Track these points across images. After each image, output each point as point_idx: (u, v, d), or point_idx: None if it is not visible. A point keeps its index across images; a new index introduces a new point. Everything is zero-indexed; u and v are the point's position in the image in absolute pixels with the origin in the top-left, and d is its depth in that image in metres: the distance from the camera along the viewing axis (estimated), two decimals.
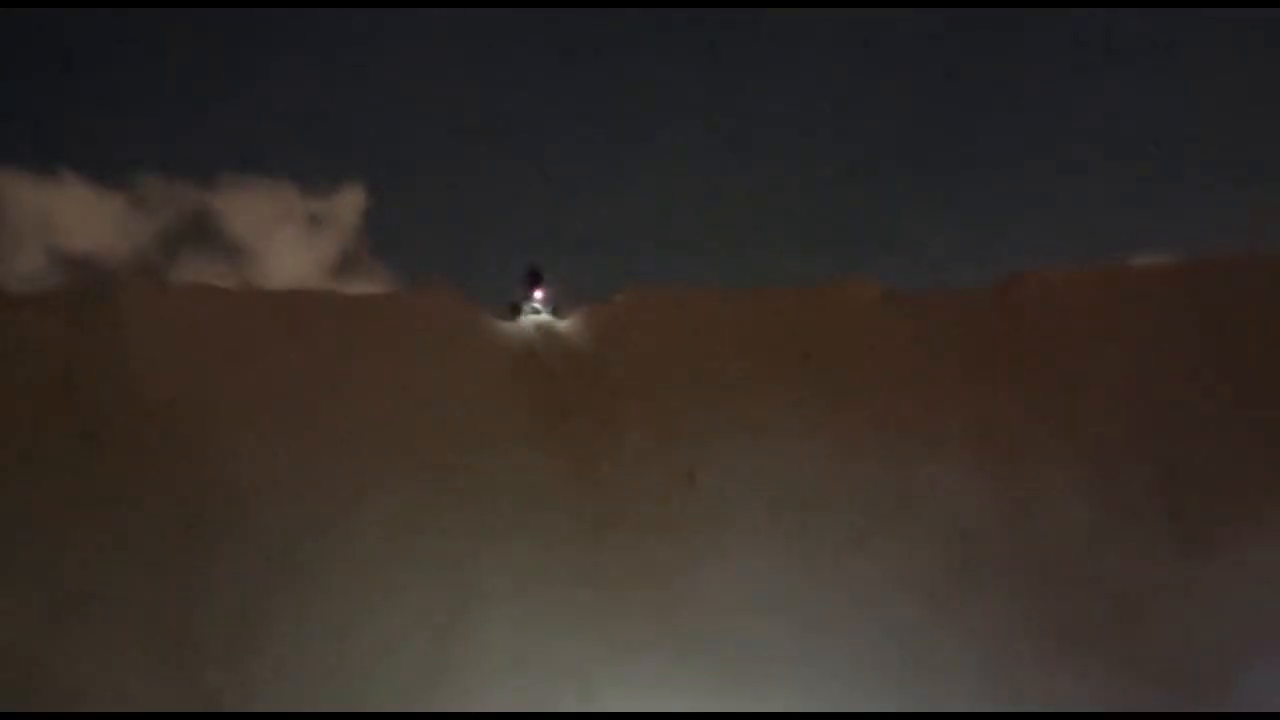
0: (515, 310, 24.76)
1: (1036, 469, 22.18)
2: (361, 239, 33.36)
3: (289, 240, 32.72)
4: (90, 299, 23.51)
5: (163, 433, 21.40)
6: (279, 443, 21.66)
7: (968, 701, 19.45)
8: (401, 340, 23.58)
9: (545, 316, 24.67)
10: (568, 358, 24.21)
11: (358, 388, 22.64)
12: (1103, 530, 21.62)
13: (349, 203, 34.82)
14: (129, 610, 19.34)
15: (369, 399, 22.51)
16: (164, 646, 19.40)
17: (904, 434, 22.48)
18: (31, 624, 18.41)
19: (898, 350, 23.92)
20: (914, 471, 22.07)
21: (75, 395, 21.52)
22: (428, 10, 32.28)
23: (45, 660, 18.29)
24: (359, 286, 28.92)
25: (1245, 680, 18.66)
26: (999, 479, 21.99)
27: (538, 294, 24.75)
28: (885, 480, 21.95)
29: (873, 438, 22.42)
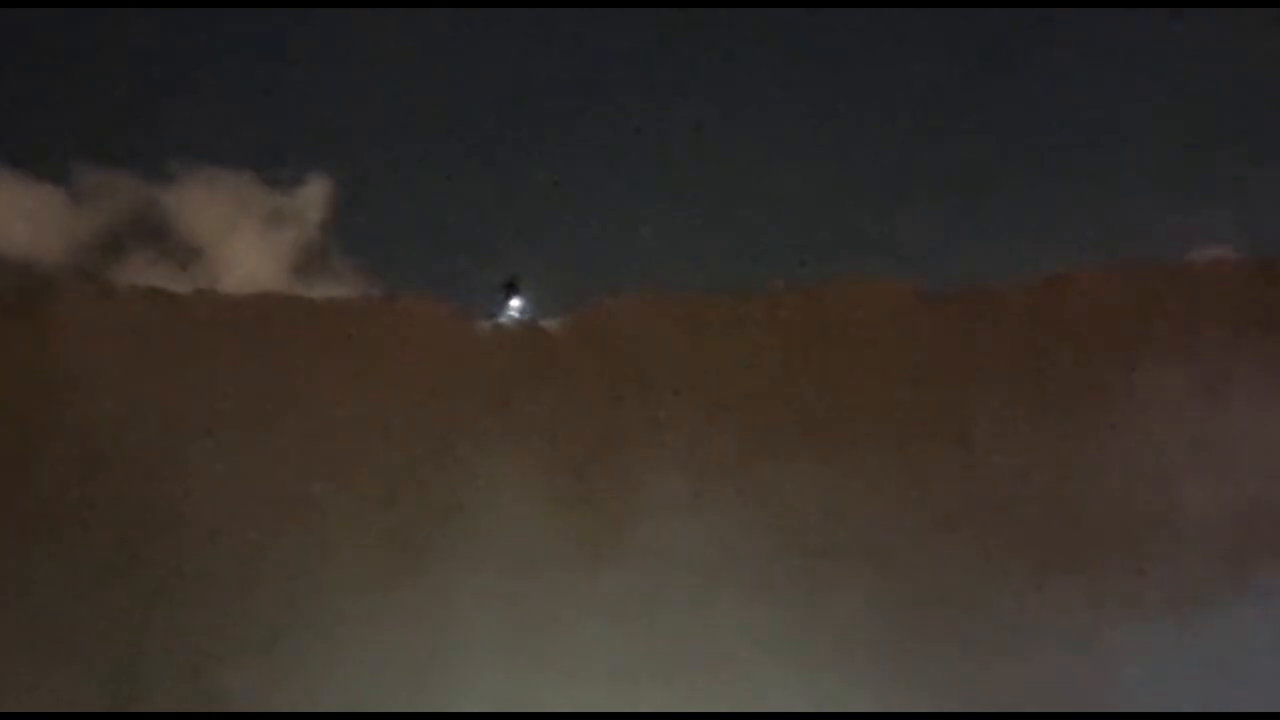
0: (491, 319, 24.52)
1: (1084, 485, 21.49)
2: (329, 236, 31.52)
3: (247, 238, 30.81)
4: (24, 306, 22.83)
5: (107, 454, 20.46)
6: (237, 464, 20.65)
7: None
8: (374, 351, 22.57)
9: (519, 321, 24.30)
10: (558, 370, 23.18)
11: (325, 403, 21.55)
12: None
13: (314, 196, 32.81)
14: (65, 649, 18.59)
15: (338, 414, 21.45)
16: (106, 686, 18.70)
17: (936, 448, 21.64)
18: None
19: (933, 357, 23.05)
20: (945, 490, 21.25)
21: (5, 413, 20.67)
22: None
23: None
24: (326, 290, 27.35)
25: None
26: (1044, 493, 21.36)
27: (514, 303, 24.25)
28: (914, 500, 21.24)
29: (900, 454, 21.59)
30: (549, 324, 24.29)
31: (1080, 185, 28.76)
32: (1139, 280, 23.58)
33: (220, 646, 19.18)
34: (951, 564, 20.78)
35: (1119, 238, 26.93)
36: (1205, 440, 21.57)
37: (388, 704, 18.81)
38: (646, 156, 27.80)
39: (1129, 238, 28.01)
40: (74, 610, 18.98)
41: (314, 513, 20.39)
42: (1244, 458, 21.18)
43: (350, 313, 23.72)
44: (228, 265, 28.80)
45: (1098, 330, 23.09)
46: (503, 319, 24.06)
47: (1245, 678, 18.82)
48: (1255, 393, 21.76)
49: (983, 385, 22.54)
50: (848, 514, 21.21)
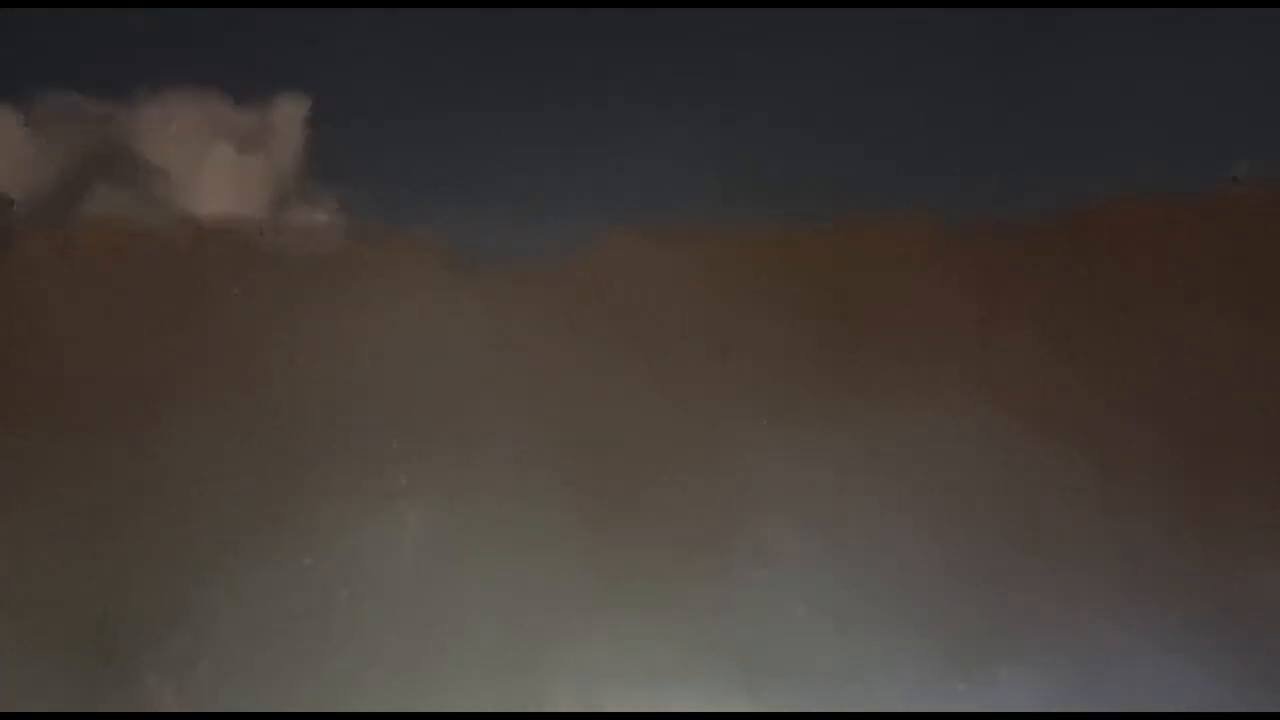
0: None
1: (1114, 434, 21.53)
2: (305, 163, 30.44)
3: (221, 163, 29.81)
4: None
5: (81, 405, 20.17)
6: (218, 412, 20.19)
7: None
8: (363, 289, 21.88)
9: None
10: (554, 310, 23.14)
11: (312, 343, 21.10)
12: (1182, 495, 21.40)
13: (288, 117, 31.66)
14: (50, 614, 18.45)
15: (326, 356, 21.07)
16: (89, 649, 18.41)
17: (963, 397, 21.60)
18: None
19: (958, 296, 22.85)
20: (969, 439, 21.21)
21: None
22: None
23: None
24: (303, 219, 26.55)
25: None
26: (1074, 443, 21.53)
27: None
28: (932, 450, 21.33)
29: (921, 398, 21.52)
30: (548, 259, 23.99)
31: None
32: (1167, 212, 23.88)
33: (211, 590, 18.99)
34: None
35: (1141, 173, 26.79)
36: (1229, 376, 21.91)
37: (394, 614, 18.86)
38: (657, 80, 26.80)
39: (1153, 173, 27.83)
40: (57, 565, 18.93)
41: (304, 460, 20.16)
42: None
43: (340, 249, 23.54)
44: (201, 195, 27.93)
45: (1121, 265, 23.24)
46: None
47: None
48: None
49: (1008, 322, 22.63)
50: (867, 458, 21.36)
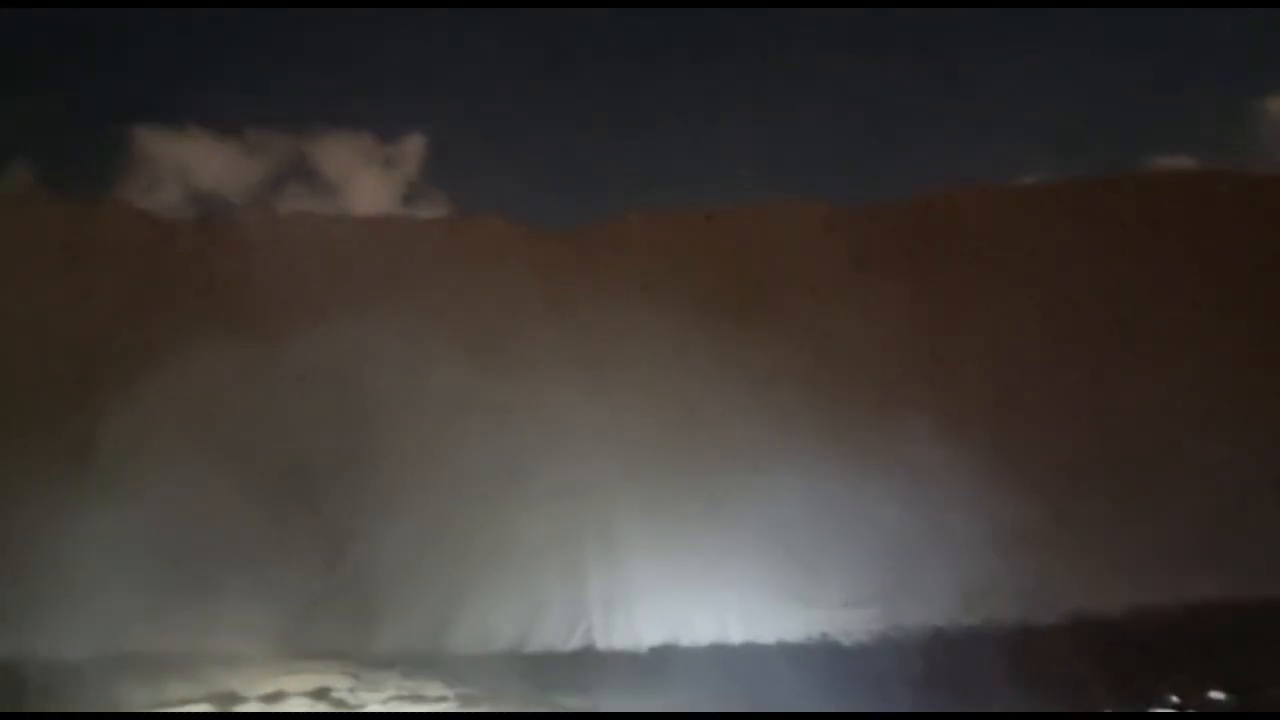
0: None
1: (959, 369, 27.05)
2: (423, 175, 42.46)
3: (368, 177, 41.39)
4: (219, 225, 28.86)
5: (278, 327, 25.68)
6: (363, 341, 25.42)
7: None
8: (457, 253, 28.43)
9: None
10: (583, 267, 29.09)
11: (424, 289, 27.31)
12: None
13: (413, 148, 43.81)
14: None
15: (432, 297, 27.10)
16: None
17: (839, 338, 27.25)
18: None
19: (845, 263, 28.89)
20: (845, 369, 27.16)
21: (210, 301, 26.72)
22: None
23: None
24: (422, 212, 35.94)
25: None
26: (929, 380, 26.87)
27: None
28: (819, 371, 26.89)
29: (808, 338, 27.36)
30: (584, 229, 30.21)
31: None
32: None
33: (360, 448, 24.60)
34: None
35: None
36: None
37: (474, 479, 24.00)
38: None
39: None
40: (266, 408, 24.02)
41: (414, 367, 25.66)
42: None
43: (442, 228, 30.31)
44: (356, 196, 37.48)
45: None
46: None
47: None
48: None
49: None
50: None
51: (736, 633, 22.00)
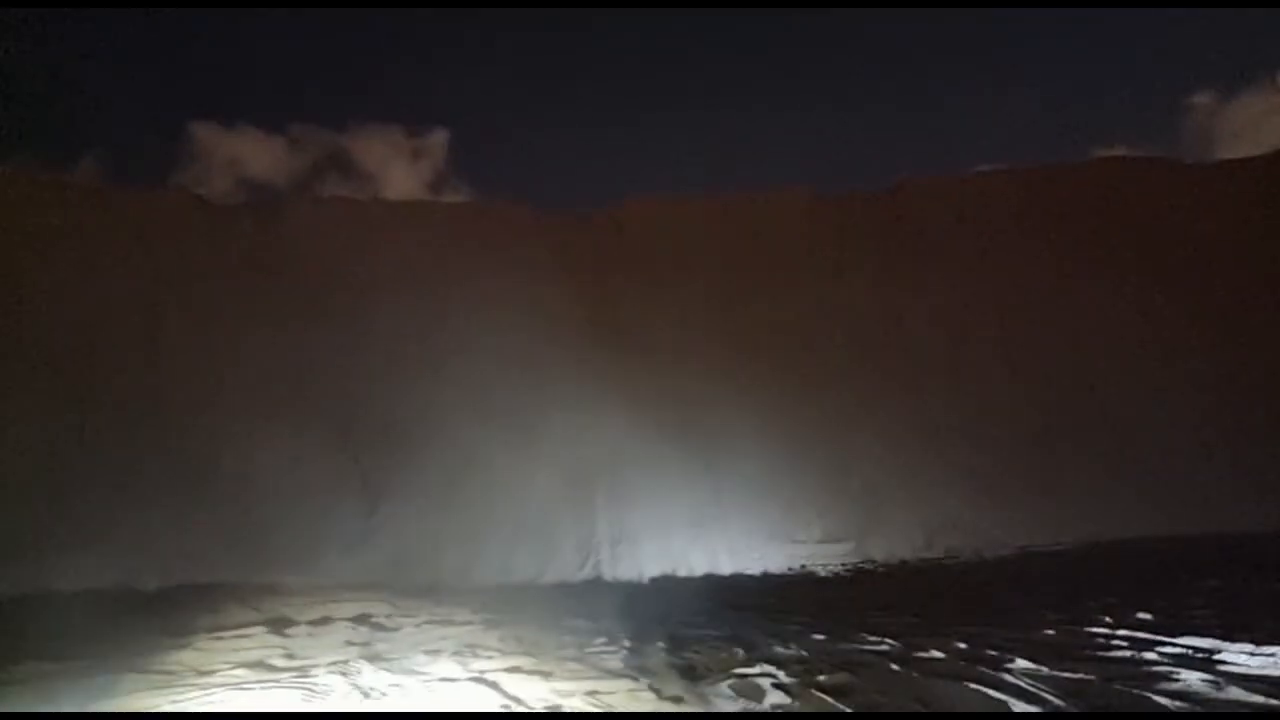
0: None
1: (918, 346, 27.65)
2: (448, 165, 42.23)
3: (399, 167, 41.10)
4: (267, 209, 29.05)
5: (320, 299, 26.67)
6: (396, 312, 27.03)
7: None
8: (479, 236, 28.97)
9: None
10: (600, 251, 29.53)
11: (449, 269, 28.03)
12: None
13: (438, 141, 43.41)
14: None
15: (457, 277, 27.89)
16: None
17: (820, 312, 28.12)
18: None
19: (826, 245, 29.44)
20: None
21: (261, 276, 26.88)
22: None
23: None
24: (447, 198, 36.10)
25: None
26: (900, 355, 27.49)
27: None
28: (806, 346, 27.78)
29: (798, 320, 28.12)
30: (595, 214, 30.26)
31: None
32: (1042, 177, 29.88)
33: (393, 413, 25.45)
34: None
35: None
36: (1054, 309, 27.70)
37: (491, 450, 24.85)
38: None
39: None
40: (294, 367, 25.16)
41: (440, 347, 27.01)
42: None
43: (465, 212, 30.48)
44: (388, 184, 37.44)
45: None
46: None
47: None
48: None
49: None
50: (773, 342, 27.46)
51: (726, 565, 22.65)
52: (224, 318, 25.39)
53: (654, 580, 21.40)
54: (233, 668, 9.79)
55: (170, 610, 14.61)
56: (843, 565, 22.26)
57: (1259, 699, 6.68)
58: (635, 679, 8.67)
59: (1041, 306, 27.80)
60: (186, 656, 10.49)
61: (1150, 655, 8.56)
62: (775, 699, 7.62)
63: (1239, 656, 8.15)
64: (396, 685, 8.55)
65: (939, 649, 9.43)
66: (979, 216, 29.18)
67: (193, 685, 8.78)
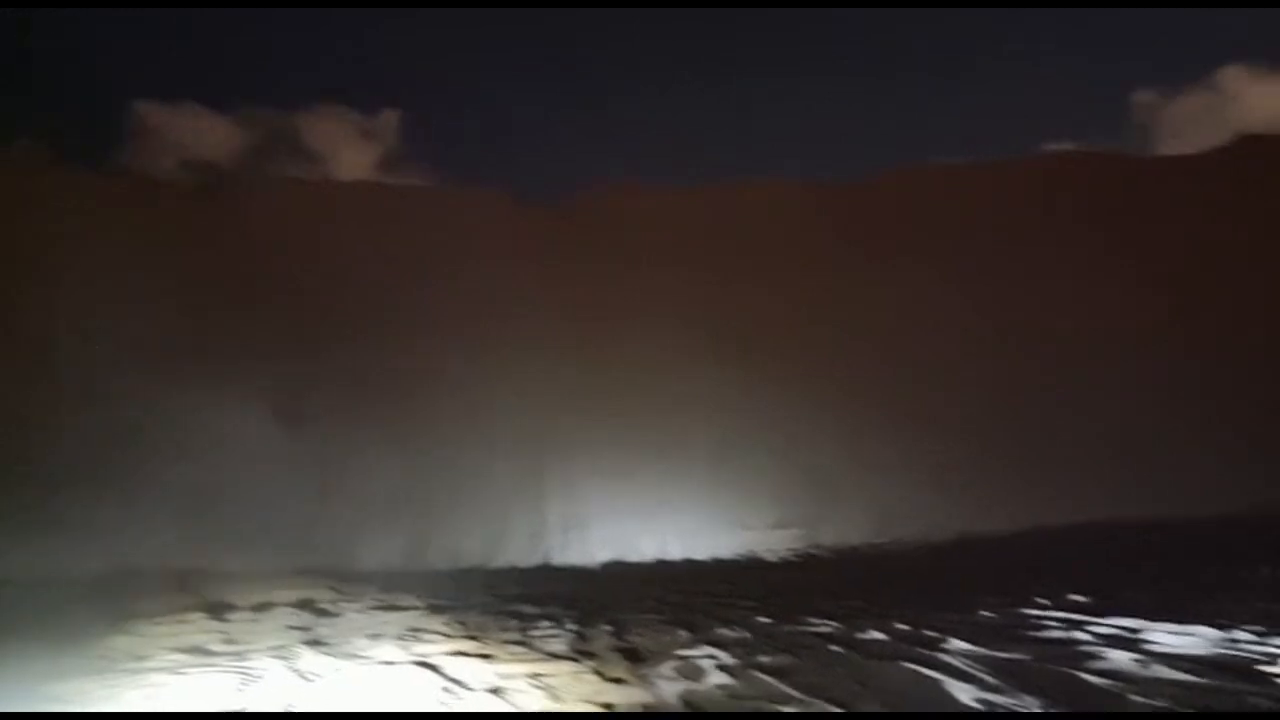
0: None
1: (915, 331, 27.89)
2: (398, 146, 41.79)
3: (349, 148, 40.33)
4: (214, 189, 28.69)
5: (268, 279, 26.31)
6: (345, 290, 26.82)
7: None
8: (441, 220, 28.81)
9: None
10: (567, 238, 29.46)
11: (401, 254, 27.88)
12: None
13: (389, 122, 43.02)
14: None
15: (410, 261, 27.82)
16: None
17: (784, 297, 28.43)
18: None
19: (790, 236, 29.69)
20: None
21: (204, 252, 26.36)
22: None
23: None
24: (397, 179, 35.79)
25: None
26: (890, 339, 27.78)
27: None
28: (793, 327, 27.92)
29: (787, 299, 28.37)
30: (562, 206, 30.20)
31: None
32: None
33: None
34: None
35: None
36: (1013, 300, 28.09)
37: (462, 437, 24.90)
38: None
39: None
40: (253, 362, 24.81)
41: (397, 327, 26.82)
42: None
43: (419, 196, 30.14)
44: (338, 165, 36.85)
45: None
46: None
47: None
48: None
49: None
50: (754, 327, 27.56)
51: (677, 551, 22.76)
52: (167, 298, 24.64)
53: (604, 566, 21.42)
54: (169, 652, 9.65)
55: (111, 596, 14.33)
56: (792, 551, 22.36)
57: (1182, 676, 6.86)
58: (578, 661, 8.68)
59: (997, 296, 28.09)
60: (123, 642, 10.33)
61: (1081, 635, 8.77)
62: (717, 679, 7.67)
63: (1164, 636, 8.37)
64: (336, 669, 8.47)
65: (880, 631, 9.56)
66: (941, 209, 29.28)
67: (128, 670, 8.62)
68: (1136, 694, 6.35)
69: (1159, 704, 6.12)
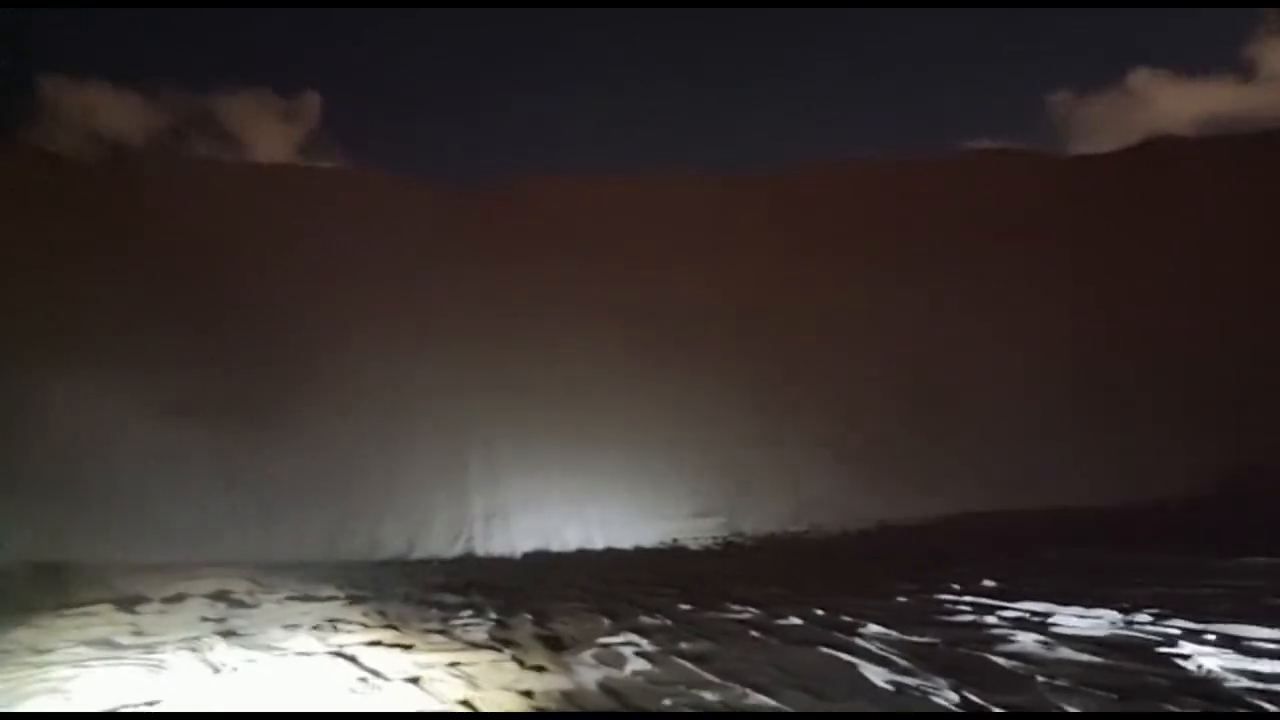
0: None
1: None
2: (319, 128, 40.61)
3: (268, 129, 38.98)
4: (122, 167, 28.06)
5: (177, 261, 25.65)
6: (264, 271, 26.32)
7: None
8: (346, 200, 28.72)
9: None
10: (488, 226, 29.41)
11: (318, 230, 27.59)
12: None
13: (309, 103, 42.01)
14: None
15: (327, 239, 27.49)
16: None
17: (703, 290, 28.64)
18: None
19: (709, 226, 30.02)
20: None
21: (112, 232, 25.57)
22: None
23: None
24: (316, 161, 34.89)
25: None
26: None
27: None
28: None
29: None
30: (484, 193, 30.10)
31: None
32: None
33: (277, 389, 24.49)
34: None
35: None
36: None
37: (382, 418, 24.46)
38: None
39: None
40: (154, 351, 24.00)
41: (315, 305, 26.27)
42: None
43: (334, 177, 30.26)
44: (256, 147, 35.86)
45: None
46: None
47: None
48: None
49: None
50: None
51: (600, 540, 22.82)
52: (74, 282, 23.74)
53: (528, 555, 21.35)
54: (74, 645, 9.32)
55: (13, 588, 13.76)
56: (713, 539, 22.60)
57: (1085, 657, 7.14)
58: (499, 650, 8.65)
59: (908, 291, 28.54)
60: (25, 635, 9.93)
61: (991, 619, 9.06)
62: (637, 666, 7.72)
63: (1069, 619, 8.70)
64: (250, 661, 8.28)
65: (799, 617, 9.73)
66: (858, 203, 29.83)
67: (27, 664, 8.31)
68: (1042, 675, 6.55)
69: (1062, 684, 6.30)
